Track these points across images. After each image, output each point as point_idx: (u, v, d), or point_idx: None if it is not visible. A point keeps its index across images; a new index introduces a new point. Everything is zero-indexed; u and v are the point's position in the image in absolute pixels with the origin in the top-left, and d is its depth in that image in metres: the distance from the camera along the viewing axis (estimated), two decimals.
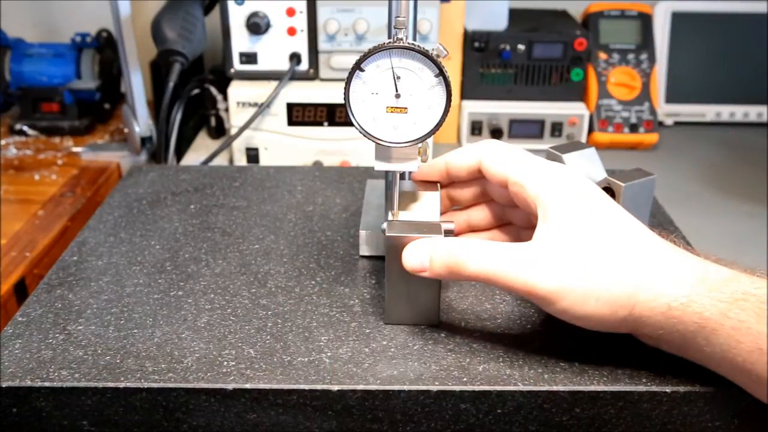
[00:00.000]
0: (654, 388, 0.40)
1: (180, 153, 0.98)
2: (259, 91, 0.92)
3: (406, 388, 0.40)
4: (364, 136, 0.44)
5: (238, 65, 0.94)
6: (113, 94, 1.12)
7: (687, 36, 1.13)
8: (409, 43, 0.42)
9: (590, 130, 1.06)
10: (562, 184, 0.42)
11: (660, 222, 0.60)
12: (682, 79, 1.14)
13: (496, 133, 1.03)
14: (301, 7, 0.91)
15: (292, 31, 0.92)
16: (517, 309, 0.48)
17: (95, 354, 0.43)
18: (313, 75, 0.95)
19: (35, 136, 1.04)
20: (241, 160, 0.95)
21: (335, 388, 0.40)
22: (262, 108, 0.91)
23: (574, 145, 0.53)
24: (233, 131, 0.93)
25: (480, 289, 0.50)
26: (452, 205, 0.51)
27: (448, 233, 0.44)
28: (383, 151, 0.45)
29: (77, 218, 0.82)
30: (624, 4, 1.11)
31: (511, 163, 0.44)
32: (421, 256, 0.42)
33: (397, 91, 0.43)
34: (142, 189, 0.64)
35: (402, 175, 0.49)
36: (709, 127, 1.15)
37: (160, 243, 0.55)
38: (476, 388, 0.40)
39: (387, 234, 0.44)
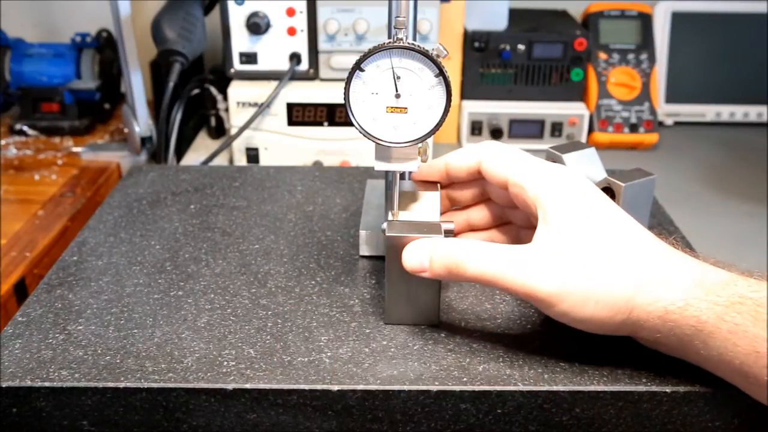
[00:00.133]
0: (654, 388, 0.40)
1: (180, 153, 0.98)
2: (259, 91, 0.92)
3: (406, 388, 0.40)
4: (364, 136, 0.44)
5: (238, 65, 0.94)
6: (113, 94, 1.12)
7: (687, 36, 1.13)
8: (409, 43, 0.42)
9: (590, 130, 1.06)
10: (562, 186, 0.42)
11: (660, 222, 0.60)
12: (682, 79, 1.14)
13: (496, 133, 1.03)
14: (301, 7, 0.91)
15: (292, 31, 0.92)
16: (517, 309, 0.48)
17: (95, 354, 0.43)
18: (313, 75, 0.95)
19: (35, 136, 1.04)
20: (241, 160, 0.95)
21: (335, 388, 0.40)
22: (262, 108, 0.91)
23: (574, 145, 0.53)
24: (233, 131, 0.93)
25: (480, 289, 0.50)
26: (452, 206, 0.51)
27: (448, 233, 0.44)
28: (383, 151, 0.45)
29: (77, 218, 0.82)
30: (624, 4, 1.11)
31: (511, 164, 0.44)
32: (421, 256, 0.42)
33: (397, 91, 0.43)
34: (142, 189, 0.64)
35: (402, 175, 0.49)
36: (709, 127, 1.15)
37: (160, 243, 0.55)
38: (476, 388, 0.40)
39: (387, 234, 0.44)
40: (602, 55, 1.09)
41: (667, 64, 1.13)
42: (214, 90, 1.02)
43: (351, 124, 0.44)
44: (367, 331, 0.45)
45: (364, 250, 0.54)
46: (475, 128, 1.04)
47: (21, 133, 1.04)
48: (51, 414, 0.41)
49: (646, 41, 1.10)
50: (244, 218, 0.59)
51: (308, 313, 0.47)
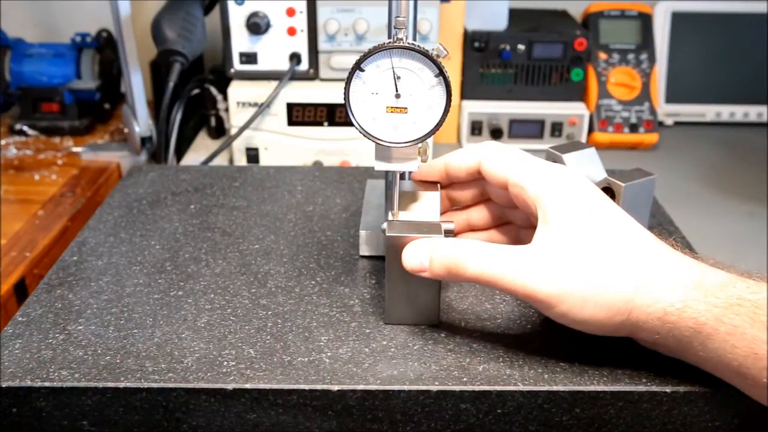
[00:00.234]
0: (654, 388, 0.40)
1: (180, 153, 0.98)
2: (259, 91, 0.92)
3: (406, 388, 0.40)
4: (364, 136, 0.44)
5: (238, 65, 0.94)
6: (113, 94, 1.12)
7: (687, 36, 1.13)
8: (409, 43, 0.42)
9: (590, 130, 1.06)
10: (562, 186, 0.42)
11: (660, 222, 0.60)
12: (682, 79, 1.14)
13: (496, 133, 1.03)
14: (301, 7, 0.91)
15: (292, 31, 0.92)
16: (517, 309, 0.48)
17: (95, 354, 0.43)
18: (313, 75, 0.95)
19: (35, 136, 1.04)
20: (241, 160, 0.95)
21: (335, 388, 0.40)
22: (262, 108, 0.91)
23: (574, 145, 0.53)
24: (233, 131, 0.93)
25: (480, 289, 0.50)
26: (452, 206, 0.51)
27: (448, 233, 0.44)
28: (383, 151, 0.45)
29: (77, 218, 0.82)
30: (624, 4, 1.11)
31: (511, 164, 0.44)
32: (421, 256, 0.42)
33: (397, 91, 0.43)
34: (142, 189, 0.64)
35: (402, 175, 0.49)
36: (709, 127, 1.15)
37: (160, 243, 0.55)
38: (476, 388, 0.40)
39: (387, 234, 0.44)
40: (602, 55, 1.09)
41: (667, 64, 1.13)
42: (214, 90, 1.02)
43: (351, 124, 0.44)
44: (367, 331, 0.45)
45: (364, 250, 0.54)
46: (475, 128, 1.04)
47: (21, 133, 1.04)
48: (51, 414, 0.41)
49: (646, 41, 1.10)
50: (244, 218, 0.59)
51: (308, 313, 0.47)
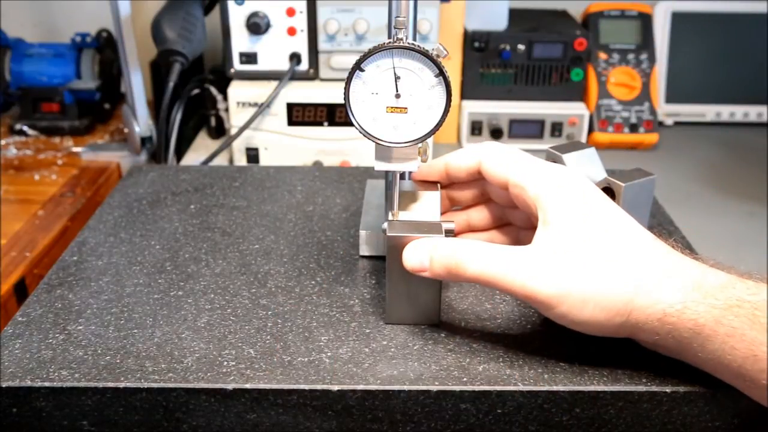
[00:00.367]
0: (654, 388, 0.40)
1: (180, 153, 0.98)
2: (259, 91, 0.92)
3: (406, 388, 0.40)
4: (364, 136, 0.44)
5: (238, 65, 0.94)
6: (113, 94, 1.12)
7: (687, 36, 1.13)
8: (409, 43, 0.42)
9: (590, 130, 1.06)
10: (562, 186, 0.42)
11: (660, 222, 0.60)
12: (682, 79, 1.14)
13: (496, 133, 1.03)
14: (301, 7, 0.91)
15: (292, 31, 0.92)
16: (517, 309, 0.48)
17: (95, 354, 0.43)
18: (313, 75, 0.95)
19: (35, 136, 1.04)
20: (241, 160, 0.95)
21: (335, 388, 0.40)
22: (262, 108, 0.91)
23: (574, 145, 0.53)
24: (233, 131, 0.93)
25: (480, 289, 0.50)
26: (452, 206, 0.51)
27: (449, 233, 0.44)
28: (383, 151, 0.45)
29: (77, 218, 0.82)
30: (624, 4, 1.11)
31: (511, 164, 0.44)
32: (421, 255, 0.42)
33: (397, 91, 0.43)
34: (142, 189, 0.64)
35: (402, 175, 0.49)
36: (709, 127, 1.15)
37: (160, 243, 0.55)
38: (476, 388, 0.40)
39: (388, 234, 0.44)
40: (602, 55, 1.09)
41: (667, 64, 1.13)
42: (214, 90, 1.02)
43: (351, 124, 0.44)
44: (367, 331, 0.45)
45: (364, 250, 0.54)
46: (475, 128, 1.04)
47: (21, 133, 1.04)
48: (51, 414, 0.41)
49: (646, 41, 1.10)
50: (244, 218, 0.59)
51: (308, 313, 0.47)
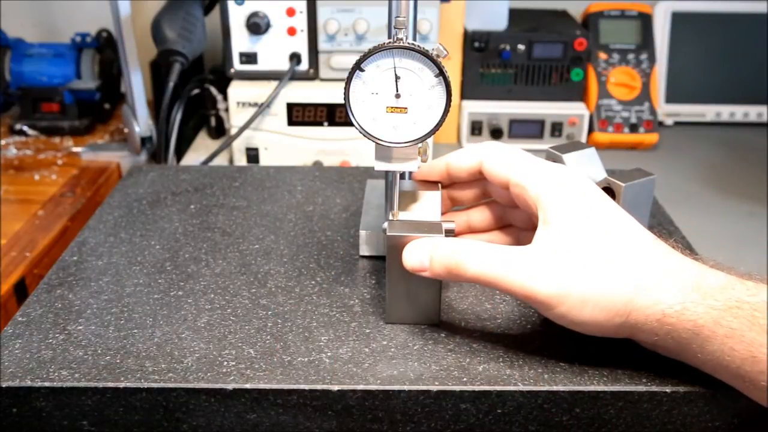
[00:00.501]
0: (654, 388, 0.40)
1: (180, 153, 0.98)
2: (259, 91, 0.92)
3: (406, 388, 0.40)
4: (364, 136, 0.44)
5: (238, 65, 0.94)
6: (113, 94, 1.12)
7: (687, 36, 1.13)
8: (409, 43, 0.42)
9: (590, 130, 1.06)
10: (563, 185, 0.42)
11: (660, 222, 0.60)
12: (682, 79, 1.14)
13: (496, 133, 1.03)
14: (301, 7, 0.91)
15: (292, 31, 0.92)
16: (517, 309, 0.48)
17: (95, 354, 0.43)
18: (313, 75, 0.95)
19: (35, 136, 1.04)
20: (241, 160, 0.95)
21: (335, 388, 0.40)
22: (262, 108, 0.91)
23: (574, 145, 0.53)
24: (233, 131, 0.93)
25: (480, 289, 0.50)
26: (453, 206, 0.51)
27: (449, 233, 0.44)
28: (383, 151, 0.45)
29: (77, 218, 0.82)
30: (624, 4, 1.11)
31: (512, 164, 0.44)
32: (421, 255, 0.42)
33: (397, 91, 0.43)
34: (142, 189, 0.64)
35: (402, 175, 0.49)
36: (709, 127, 1.15)
37: (160, 243, 0.55)
38: (476, 388, 0.40)
39: (388, 233, 0.44)
40: (602, 55, 1.09)
41: (667, 64, 1.13)
42: (214, 90, 1.02)
43: (351, 124, 0.44)
44: (367, 331, 0.45)
45: (364, 250, 0.54)
46: (475, 128, 1.04)
47: (21, 133, 1.04)
48: (51, 414, 0.41)
49: (646, 41, 1.10)
50: (244, 218, 0.59)
51: (308, 313, 0.47)
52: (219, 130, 1.04)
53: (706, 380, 0.40)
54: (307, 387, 0.40)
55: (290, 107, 0.92)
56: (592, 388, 0.40)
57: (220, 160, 0.94)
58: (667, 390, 0.40)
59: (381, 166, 0.46)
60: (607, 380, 0.41)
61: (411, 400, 0.41)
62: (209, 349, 0.43)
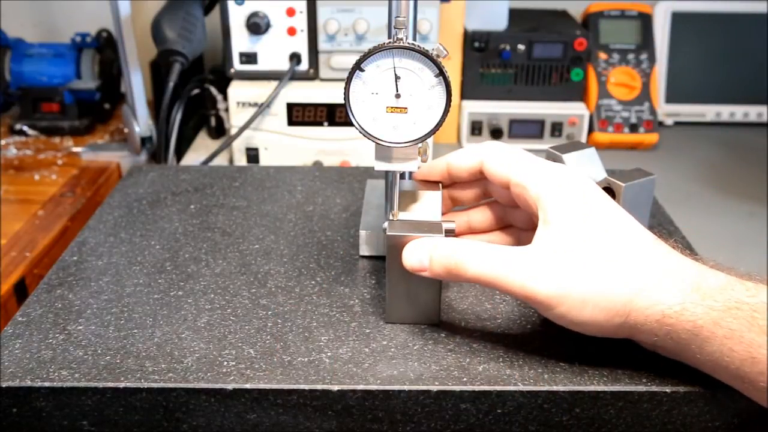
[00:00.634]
0: (654, 388, 0.40)
1: (180, 153, 0.98)
2: (259, 91, 0.92)
3: (406, 388, 0.40)
4: (364, 136, 0.44)
5: (238, 65, 0.94)
6: (113, 94, 1.12)
7: (687, 36, 1.13)
8: (409, 43, 0.42)
9: (590, 130, 1.06)
10: (563, 185, 0.42)
11: (660, 222, 0.60)
12: (682, 79, 1.14)
13: (496, 133, 1.03)
14: (301, 7, 0.91)
15: (292, 31, 0.92)
16: (517, 309, 0.48)
17: (95, 354, 0.43)
18: (313, 75, 0.95)
19: (35, 136, 1.04)
20: (241, 160, 0.95)
21: (335, 388, 0.40)
22: (262, 108, 0.91)
23: (574, 145, 0.53)
24: (233, 131, 0.93)
25: (480, 289, 0.50)
26: (453, 206, 0.51)
27: (449, 233, 0.44)
28: (383, 151, 0.45)
29: (77, 218, 0.82)
30: (624, 4, 1.11)
31: (513, 164, 0.44)
32: (421, 255, 0.42)
33: (397, 91, 0.43)
34: (142, 189, 0.64)
35: (402, 175, 0.49)
36: (709, 127, 1.15)
37: (160, 243, 0.55)
38: (476, 388, 0.40)
39: (388, 233, 0.44)
40: (602, 55, 1.09)
41: (667, 64, 1.13)
42: (214, 90, 1.02)
43: (351, 124, 0.44)
44: (367, 331, 0.45)
45: (364, 250, 0.54)
46: (475, 128, 1.04)
47: (21, 133, 1.04)
48: (51, 414, 0.41)
49: (646, 41, 1.10)
50: (244, 218, 0.59)
51: (308, 313, 0.47)
52: (219, 130, 1.04)
53: (706, 380, 0.40)
54: (307, 387, 0.40)
55: (290, 107, 0.92)
56: (592, 388, 0.40)
57: (220, 160, 0.94)
58: (667, 390, 0.40)
59: (381, 166, 0.46)
60: (607, 380, 0.41)
61: (411, 400, 0.41)
62: (209, 349, 0.43)
